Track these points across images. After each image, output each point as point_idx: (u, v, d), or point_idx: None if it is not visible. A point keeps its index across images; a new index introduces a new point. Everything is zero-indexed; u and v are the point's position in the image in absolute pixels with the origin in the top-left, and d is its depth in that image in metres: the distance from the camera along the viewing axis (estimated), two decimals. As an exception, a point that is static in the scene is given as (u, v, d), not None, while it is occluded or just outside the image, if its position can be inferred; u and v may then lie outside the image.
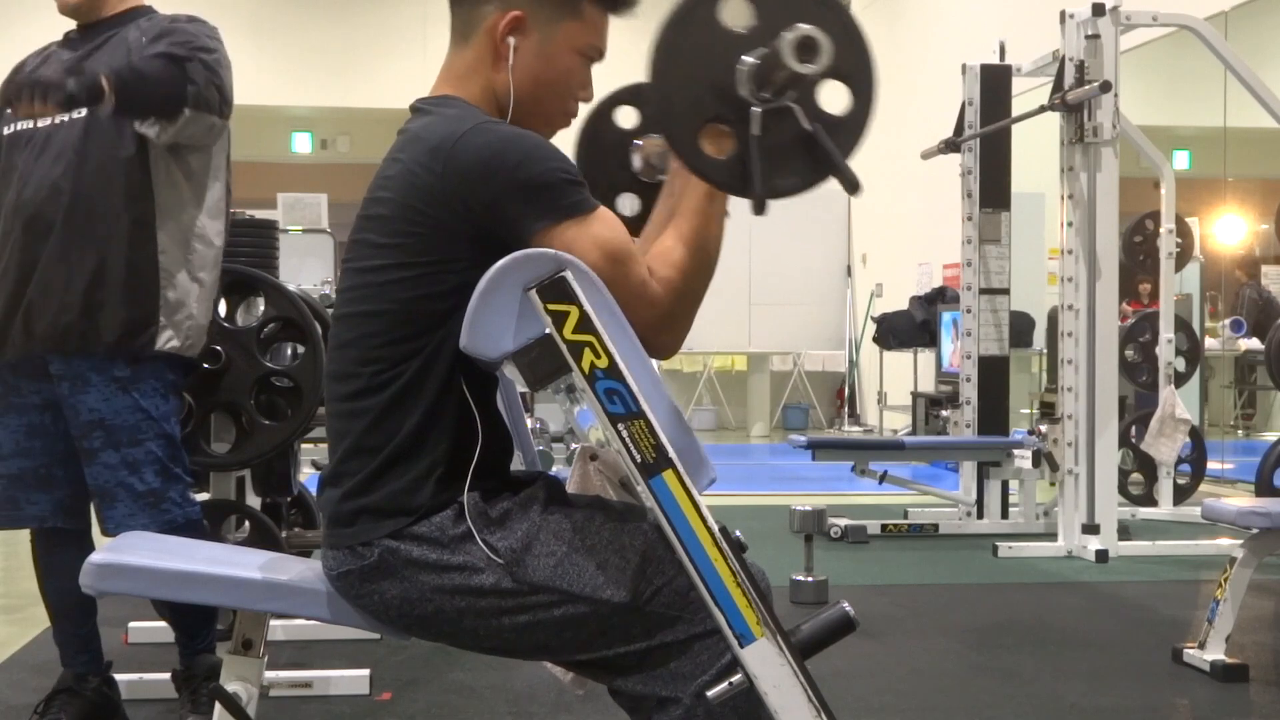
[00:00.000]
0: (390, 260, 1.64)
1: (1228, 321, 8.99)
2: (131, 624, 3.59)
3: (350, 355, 1.68)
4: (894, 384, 11.27)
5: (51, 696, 2.77)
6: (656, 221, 1.77)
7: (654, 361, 1.66)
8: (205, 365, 2.88)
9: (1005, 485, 6.15)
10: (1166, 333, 6.24)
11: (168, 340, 2.63)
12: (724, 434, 12.56)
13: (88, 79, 2.36)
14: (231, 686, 1.77)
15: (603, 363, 1.51)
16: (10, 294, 2.62)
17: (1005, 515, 6.13)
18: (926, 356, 10.13)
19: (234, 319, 3.13)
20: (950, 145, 6.22)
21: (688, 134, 1.60)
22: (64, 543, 2.73)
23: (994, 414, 6.30)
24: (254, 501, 3.49)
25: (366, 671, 3.18)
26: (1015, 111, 6.18)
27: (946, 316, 9.14)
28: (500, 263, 1.53)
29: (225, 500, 3.28)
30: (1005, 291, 6.29)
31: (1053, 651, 3.71)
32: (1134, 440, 6.58)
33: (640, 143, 1.94)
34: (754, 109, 1.58)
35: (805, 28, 1.54)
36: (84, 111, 2.57)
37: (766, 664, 1.51)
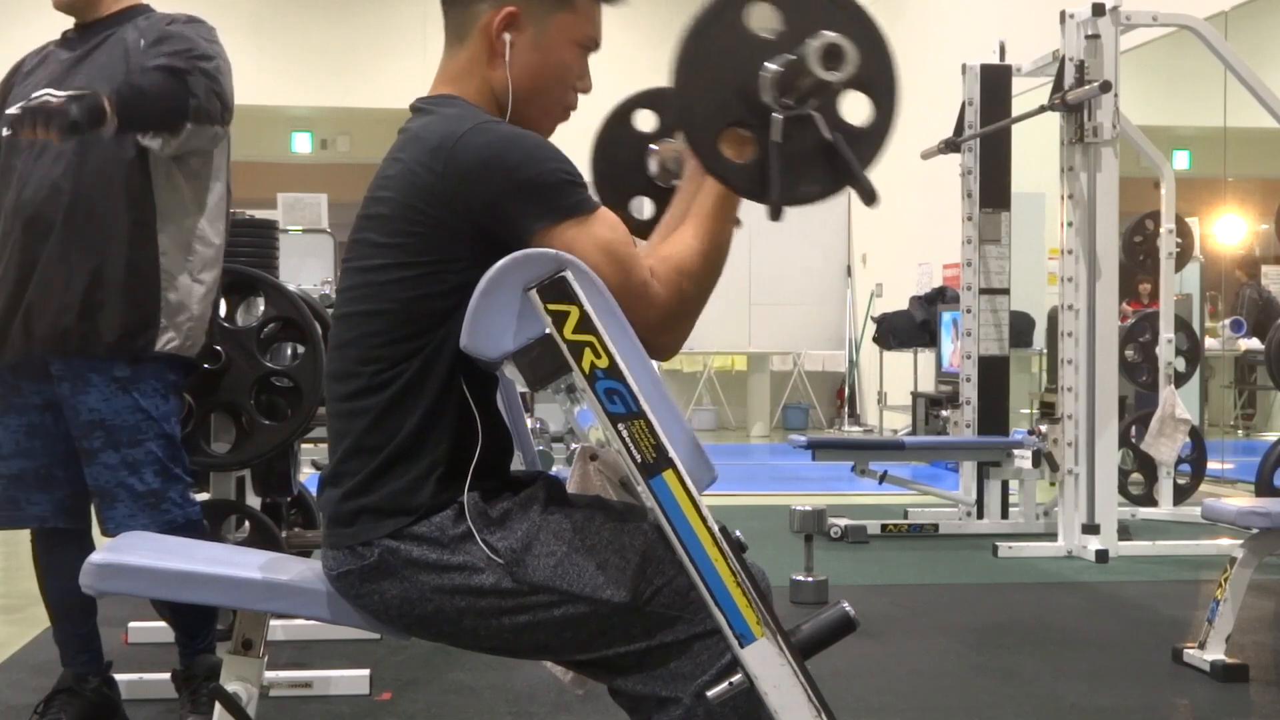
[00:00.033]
0: (391, 260, 1.64)
1: (1228, 321, 8.99)
2: (131, 624, 3.59)
3: (350, 355, 1.68)
4: (894, 384, 11.27)
5: (51, 696, 2.77)
6: (667, 224, 1.77)
7: (653, 362, 1.66)
8: (205, 365, 2.87)
9: (1005, 485, 6.15)
10: (1166, 333, 6.24)
11: (168, 341, 2.63)
12: (724, 434, 12.56)
13: (90, 103, 2.38)
14: (231, 686, 1.77)
15: (603, 363, 1.51)
16: (10, 295, 2.62)
17: (1005, 515, 6.13)
18: (926, 356, 10.13)
19: (234, 319, 3.13)
20: (950, 145, 6.22)
21: (708, 137, 1.60)
22: (64, 542, 2.73)
23: (994, 414, 6.30)
24: (254, 501, 3.49)
25: (366, 671, 3.18)
26: (1015, 111, 6.18)
27: (946, 316, 9.14)
28: (500, 262, 1.53)
29: (225, 500, 3.28)
30: (1005, 291, 6.29)
31: (1053, 651, 3.71)
32: (1134, 440, 6.58)
33: (657, 147, 1.94)
34: (776, 115, 1.58)
35: (832, 35, 1.55)
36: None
37: (767, 664, 1.51)
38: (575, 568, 1.60)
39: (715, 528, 1.51)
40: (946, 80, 7.48)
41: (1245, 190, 9.84)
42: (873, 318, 10.79)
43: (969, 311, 6.31)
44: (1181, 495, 6.54)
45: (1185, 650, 3.47)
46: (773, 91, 1.58)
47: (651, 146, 1.95)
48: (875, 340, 10.56)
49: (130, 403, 2.60)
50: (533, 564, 1.60)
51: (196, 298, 2.68)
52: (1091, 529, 5.28)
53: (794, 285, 11.94)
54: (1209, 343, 8.54)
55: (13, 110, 2.37)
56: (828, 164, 1.61)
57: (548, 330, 1.52)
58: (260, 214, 4.50)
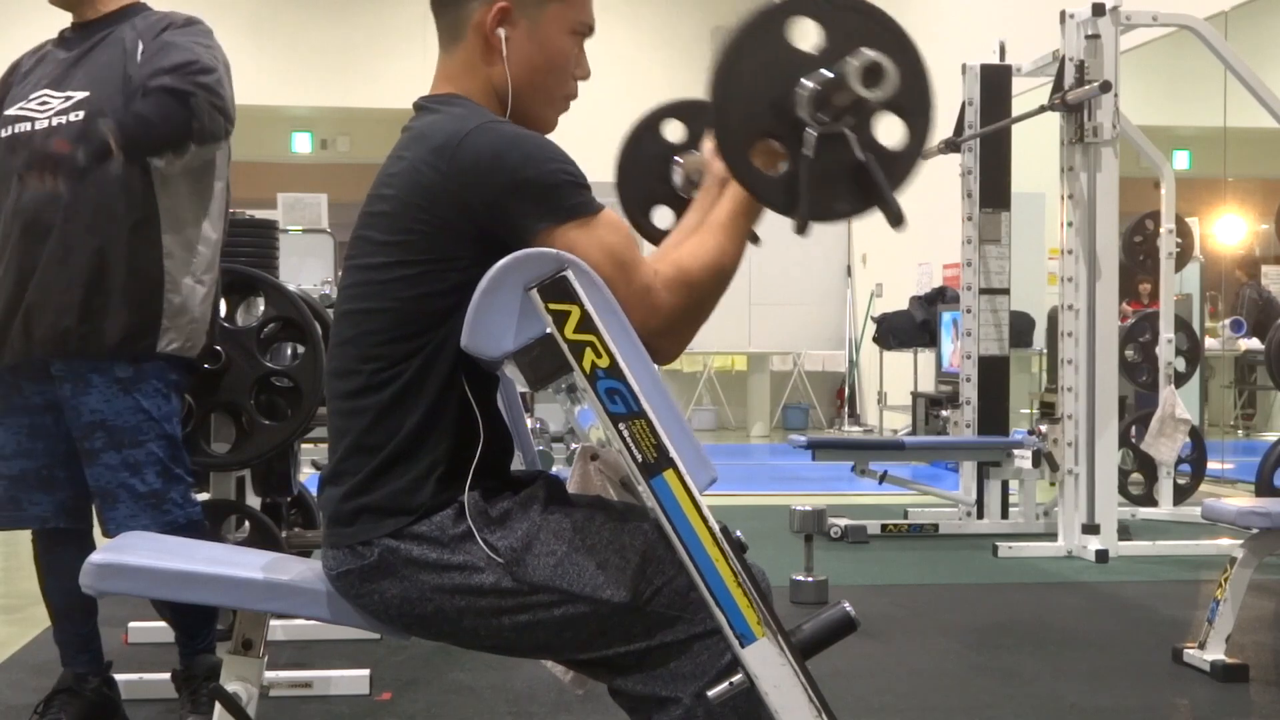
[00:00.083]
0: (392, 258, 1.64)
1: (1228, 321, 8.99)
2: (131, 624, 3.58)
3: (351, 352, 1.68)
4: (894, 384, 11.27)
5: (51, 696, 2.77)
6: (680, 230, 1.78)
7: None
8: (205, 365, 2.87)
9: (1005, 485, 6.15)
10: (1166, 333, 6.24)
11: (170, 342, 2.63)
12: (724, 434, 12.56)
13: (96, 144, 2.46)
14: (231, 686, 1.77)
15: (604, 362, 1.51)
16: (9, 297, 2.62)
17: (1005, 515, 6.13)
18: (926, 356, 10.13)
19: (234, 319, 3.13)
20: (950, 145, 6.22)
21: (741, 146, 1.61)
22: (65, 542, 2.73)
23: (994, 414, 6.30)
24: (254, 501, 3.49)
25: (366, 671, 3.18)
26: (1015, 111, 6.18)
27: (946, 316, 9.14)
28: (501, 262, 1.53)
29: (225, 500, 3.28)
30: (1005, 291, 6.29)
31: (1053, 651, 3.71)
32: (1134, 440, 6.58)
33: (681, 160, 1.95)
34: (810, 131, 1.58)
35: (874, 54, 1.56)
36: (81, 115, 2.58)
37: (767, 664, 1.51)
38: (575, 567, 1.60)
39: (716, 527, 1.51)
40: (946, 80, 7.47)
41: (1245, 190, 9.84)
42: (873, 318, 10.79)
43: (969, 311, 6.31)
44: (1181, 495, 6.54)
45: (1185, 650, 3.47)
46: (809, 107, 1.58)
47: (676, 159, 1.96)
48: (875, 340, 10.56)
49: (132, 403, 2.60)
50: (533, 563, 1.60)
51: (198, 299, 2.68)
52: (1091, 529, 5.28)
53: (794, 285, 11.94)
54: (1209, 343, 8.53)
55: (20, 160, 2.49)
56: (857, 183, 1.62)
57: (548, 330, 1.52)
58: (260, 214, 4.50)
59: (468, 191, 1.60)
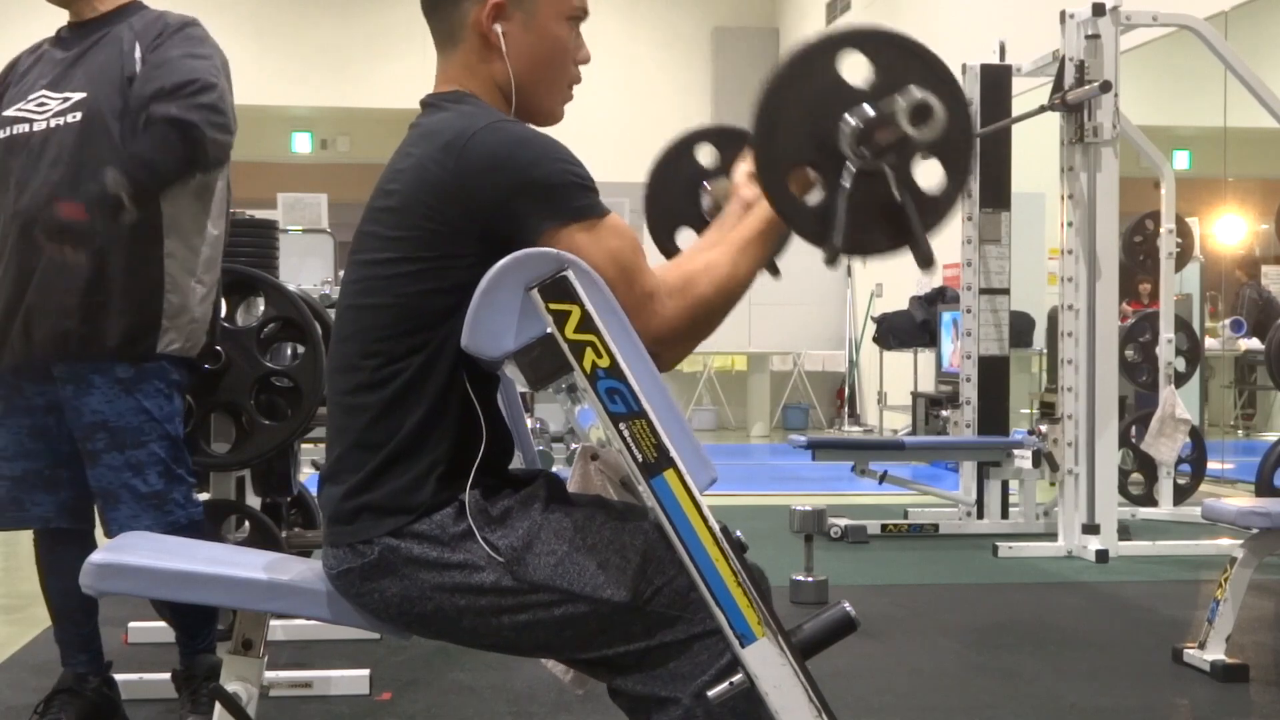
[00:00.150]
0: (396, 253, 1.64)
1: (1228, 321, 8.99)
2: (131, 624, 3.58)
3: (352, 348, 1.68)
4: (894, 384, 11.27)
5: (51, 696, 2.77)
6: (697, 245, 1.78)
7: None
8: (205, 365, 2.87)
9: (1005, 485, 6.15)
10: (1166, 333, 6.24)
11: (170, 342, 2.63)
12: (724, 434, 12.56)
13: (107, 205, 2.46)
14: (231, 686, 1.77)
15: (604, 362, 1.51)
16: (9, 299, 2.62)
17: (1005, 515, 6.13)
18: (926, 356, 10.13)
19: (234, 319, 3.13)
20: (950, 145, 6.22)
21: (780, 170, 1.61)
22: (66, 542, 2.73)
23: (994, 414, 6.30)
24: (254, 501, 3.49)
25: (366, 671, 3.18)
26: (1015, 111, 6.18)
27: (946, 316, 9.14)
28: (502, 262, 1.53)
29: (225, 500, 3.28)
30: (1005, 291, 6.29)
31: (1053, 651, 3.71)
32: (1134, 440, 6.58)
33: (710, 186, 1.96)
34: (850, 164, 1.59)
35: (924, 93, 1.57)
36: (79, 115, 2.58)
37: (767, 664, 1.51)
38: (576, 567, 1.60)
39: (716, 527, 1.51)
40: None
41: (1245, 190, 9.84)
42: (873, 318, 10.79)
43: (969, 311, 6.31)
44: (1181, 495, 6.54)
45: (1185, 650, 3.47)
46: (851, 140, 1.59)
47: (705, 183, 1.96)
48: (875, 340, 10.56)
49: (133, 404, 2.59)
50: (533, 562, 1.60)
51: (198, 299, 2.68)
52: (1091, 529, 5.28)
53: (794, 285, 11.84)
54: (1209, 343, 8.54)
55: (36, 231, 2.50)
56: (890, 222, 1.62)
57: (549, 330, 1.52)
58: (260, 214, 4.50)
59: (474, 190, 1.60)
